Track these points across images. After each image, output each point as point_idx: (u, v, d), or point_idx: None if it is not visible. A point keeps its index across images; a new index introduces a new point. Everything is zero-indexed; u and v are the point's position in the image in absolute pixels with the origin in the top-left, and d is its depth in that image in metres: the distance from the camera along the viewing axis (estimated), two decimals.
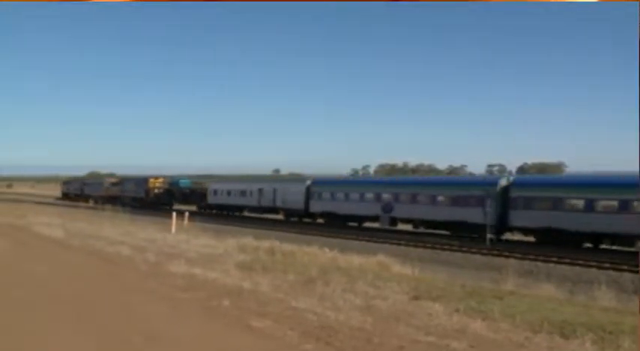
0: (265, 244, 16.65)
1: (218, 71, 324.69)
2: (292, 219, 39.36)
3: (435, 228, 29.33)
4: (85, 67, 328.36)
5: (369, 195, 33.21)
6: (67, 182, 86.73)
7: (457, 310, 7.35)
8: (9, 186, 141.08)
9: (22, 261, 13.37)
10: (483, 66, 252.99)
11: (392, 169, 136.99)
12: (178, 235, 20.44)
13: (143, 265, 12.17)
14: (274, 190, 41.03)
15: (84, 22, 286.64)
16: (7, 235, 20.00)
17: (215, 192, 47.91)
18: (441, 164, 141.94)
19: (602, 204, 22.90)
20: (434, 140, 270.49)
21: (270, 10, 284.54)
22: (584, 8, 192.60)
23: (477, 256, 21.06)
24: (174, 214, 25.37)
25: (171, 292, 8.87)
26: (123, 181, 66.74)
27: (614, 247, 22.67)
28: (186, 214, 28.79)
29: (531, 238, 26.06)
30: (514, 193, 25.81)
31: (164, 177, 60.35)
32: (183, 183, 55.04)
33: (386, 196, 32.07)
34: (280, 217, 41.41)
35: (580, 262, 19.21)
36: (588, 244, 23.58)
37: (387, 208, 31.56)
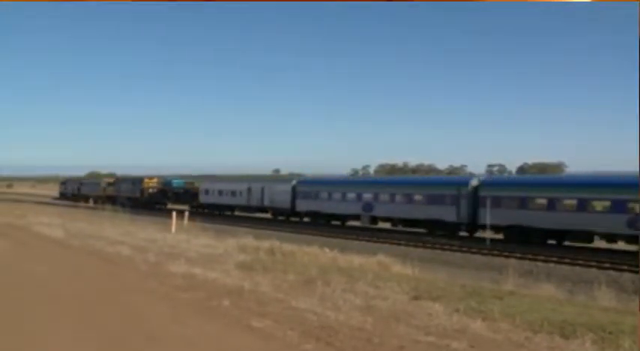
0: (265, 244, 16.64)
1: (218, 71, 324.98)
2: (280, 218, 40.37)
3: (412, 226, 30.50)
4: (85, 67, 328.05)
5: (351, 195, 34.44)
6: (64, 182, 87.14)
7: (457, 310, 7.35)
8: (9, 186, 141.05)
9: (22, 261, 13.37)
10: (483, 66, 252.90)
11: (392, 169, 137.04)
12: (178, 235, 20.43)
13: (143, 265, 12.17)
14: (262, 190, 42.08)
15: (84, 22, 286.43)
16: (7, 235, 20.00)
17: (206, 192, 49.09)
18: (441, 164, 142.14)
19: (563, 203, 24.30)
20: (434, 140, 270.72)
21: (270, 10, 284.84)
22: (584, 8, 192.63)
23: (477, 256, 21.08)
24: (174, 213, 25.36)
25: (171, 292, 8.87)
26: (119, 181, 67.58)
27: (576, 244, 23.45)
28: (186, 213, 28.80)
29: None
30: (483, 193, 26.92)
31: (159, 177, 61.09)
32: (177, 183, 56.17)
33: (366, 195, 33.29)
34: (269, 216, 42.27)
35: (580, 262, 19.23)
36: (552, 241, 24.62)
37: (368, 207, 32.90)
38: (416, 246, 23.64)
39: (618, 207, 22.07)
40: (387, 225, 32.56)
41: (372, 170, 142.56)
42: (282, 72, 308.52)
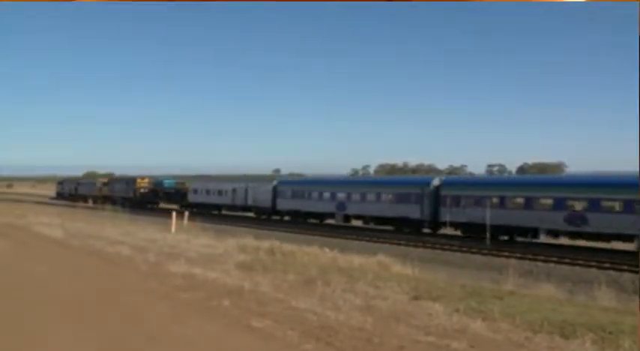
0: (265, 244, 16.64)
1: (218, 71, 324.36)
2: (262, 217, 41.94)
3: (382, 223, 32.39)
4: (85, 67, 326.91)
5: (326, 194, 36.45)
6: (61, 182, 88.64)
7: (457, 310, 7.35)
8: (9, 186, 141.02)
9: (22, 261, 13.37)
10: (483, 66, 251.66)
11: (392, 169, 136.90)
12: (178, 235, 20.44)
13: (143, 265, 12.18)
14: (246, 190, 43.98)
15: (84, 22, 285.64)
16: (7, 235, 20.01)
17: (195, 191, 51.22)
18: (441, 164, 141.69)
19: (512, 201, 26.11)
20: (434, 140, 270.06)
21: (270, 10, 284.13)
22: (584, 8, 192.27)
23: (477, 256, 21.08)
24: (174, 213, 25.37)
25: (171, 292, 8.87)
26: (113, 181, 69.57)
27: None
28: (186, 213, 28.80)
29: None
30: (444, 192, 28.82)
31: (150, 177, 62.62)
32: (168, 183, 57.92)
33: (340, 195, 35.32)
34: (252, 214, 44.08)
35: (580, 262, 19.24)
36: (504, 237, 26.14)
37: (341, 206, 34.97)
38: (416, 246, 23.65)
39: (559, 205, 23.89)
40: (358, 222, 34.63)
41: (372, 170, 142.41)
42: (282, 72, 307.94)
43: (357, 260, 14.00)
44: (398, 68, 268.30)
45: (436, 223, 29.31)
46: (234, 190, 45.26)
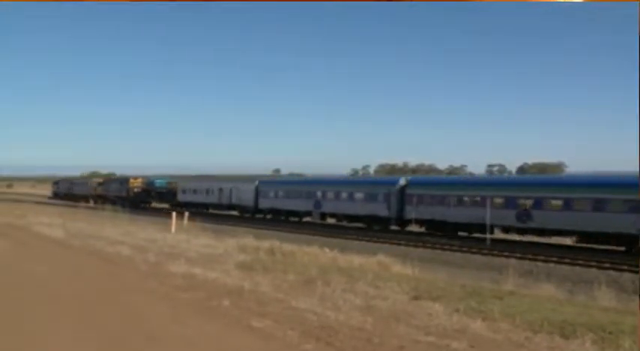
0: (265, 244, 16.65)
1: (218, 71, 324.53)
2: (246, 215, 43.60)
3: (354, 221, 34.28)
4: (85, 67, 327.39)
5: (304, 193, 38.16)
6: (56, 182, 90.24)
7: (457, 310, 7.35)
8: (9, 186, 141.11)
9: (22, 261, 13.37)
10: (483, 66, 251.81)
11: (392, 169, 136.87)
12: (178, 235, 20.45)
13: (143, 265, 12.18)
14: (231, 189, 45.95)
15: (84, 22, 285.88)
16: (7, 235, 20.01)
17: (184, 191, 53.33)
18: (441, 164, 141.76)
19: (468, 200, 27.73)
20: (434, 140, 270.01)
21: (270, 10, 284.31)
22: (584, 8, 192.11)
23: (477, 256, 21.08)
24: (173, 213, 25.38)
25: (171, 292, 8.87)
26: (107, 181, 71.63)
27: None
28: (186, 213, 28.81)
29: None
30: (409, 191, 30.70)
31: (143, 177, 63.79)
32: (159, 183, 59.56)
33: (317, 194, 36.87)
34: (236, 213, 45.38)
35: (580, 262, 19.23)
36: (462, 233, 27.78)
37: (317, 204, 36.65)
38: (416, 246, 23.65)
39: (510, 203, 25.59)
40: (332, 220, 36.37)
41: (372, 170, 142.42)
42: (282, 72, 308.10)
43: (357, 260, 14.00)
44: (398, 68, 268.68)
45: (402, 221, 31.07)
46: (220, 190, 47.23)
